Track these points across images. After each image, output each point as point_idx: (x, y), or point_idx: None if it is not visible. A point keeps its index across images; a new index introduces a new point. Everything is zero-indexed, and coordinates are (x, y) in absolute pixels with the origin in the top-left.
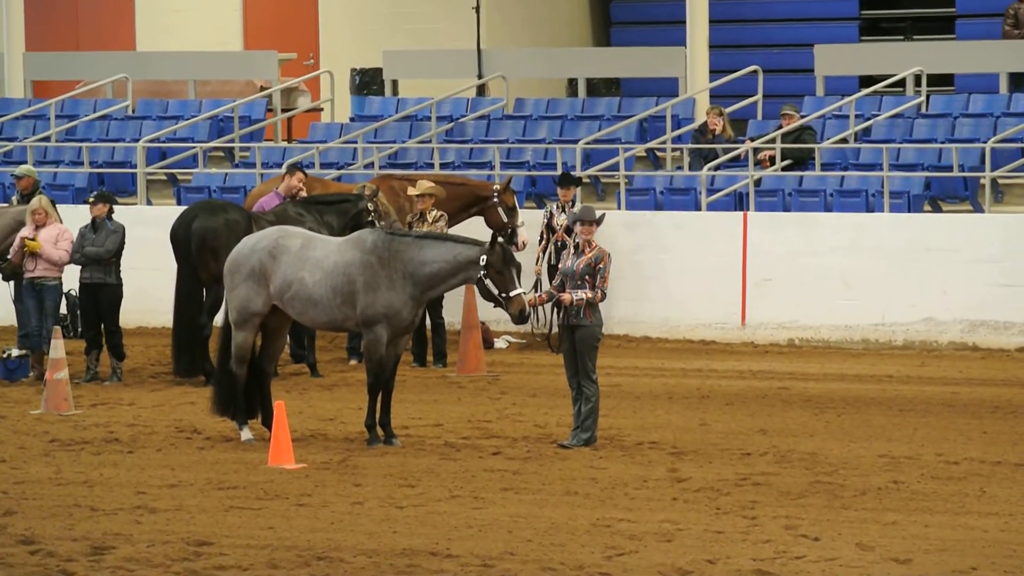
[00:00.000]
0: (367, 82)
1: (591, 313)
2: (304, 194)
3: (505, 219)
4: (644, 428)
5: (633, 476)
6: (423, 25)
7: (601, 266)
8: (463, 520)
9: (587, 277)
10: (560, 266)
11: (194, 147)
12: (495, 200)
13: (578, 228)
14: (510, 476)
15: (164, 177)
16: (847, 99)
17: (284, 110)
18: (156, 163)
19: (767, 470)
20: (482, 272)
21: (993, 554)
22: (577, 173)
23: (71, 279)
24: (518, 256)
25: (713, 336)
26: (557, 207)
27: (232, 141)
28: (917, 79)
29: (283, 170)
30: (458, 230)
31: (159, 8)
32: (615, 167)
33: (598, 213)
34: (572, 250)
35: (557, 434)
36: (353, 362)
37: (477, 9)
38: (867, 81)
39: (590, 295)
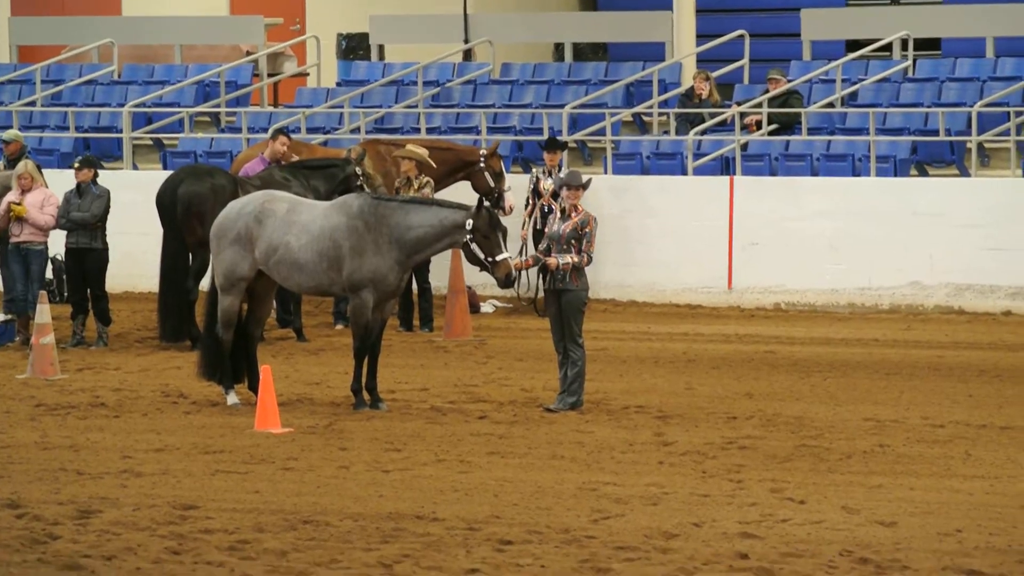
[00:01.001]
0: (353, 47)
1: (577, 277)
2: (296, 158)
3: (492, 184)
4: (630, 392)
5: (619, 440)
6: None
7: (587, 230)
8: (449, 484)
9: (573, 241)
10: (546, 230)
11: (180, 112)
12: (481, 165)
13: (564, 193)
14: (496, 440)
15: (150, 142)
16: (834, 63)
17: (270, 75)
18: (142, 128)
19: (753, 434)
20: (468, 236)
21: (978, 516)
22: (564, 138)
23: (57, 244)
24: (504, 221)
25: (699, 300)
26: (544, 171)
27: (218, 106)
28: (904, 43)
29: (268, 135)
30: (445, 195)
31: None
32: (602, 132)
33: (584, 178)
34: (558, 214)
35: (543, 398)
36: (339, 326)
37: None
38: (853, 45)
39: (576, 259)
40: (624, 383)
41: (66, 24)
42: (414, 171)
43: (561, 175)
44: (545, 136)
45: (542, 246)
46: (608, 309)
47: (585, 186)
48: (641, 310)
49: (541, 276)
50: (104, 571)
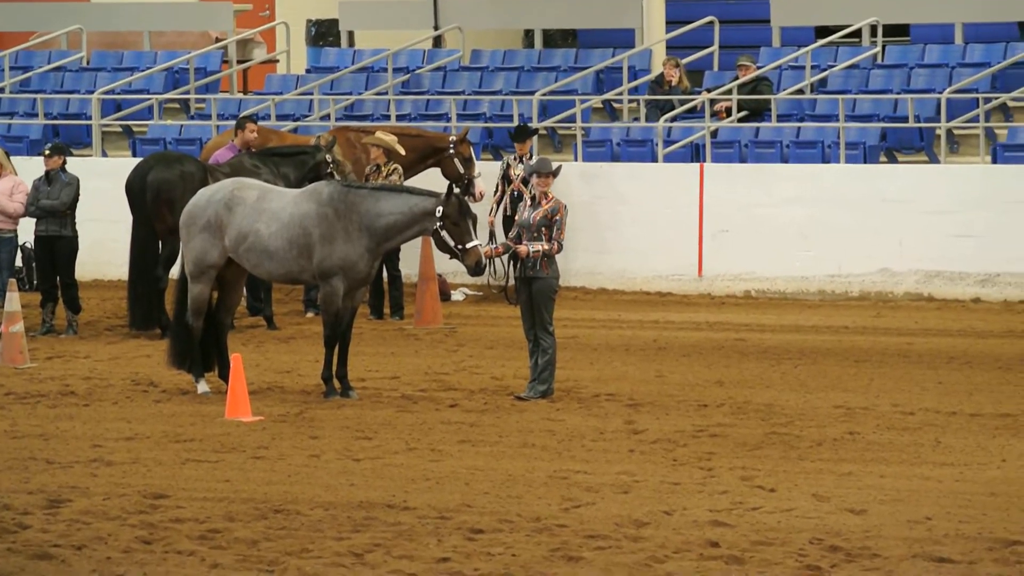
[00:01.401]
0: (323, 33)
1: (547, 265)
2: (271, 143)
3: (462, 170)
4: (601, 380)
5: (590, 428)
6: None
7: (558, 218)
8: (420, 472)
9: (543, 229)
10: (516, 218)
11: (149, 99)
12: (451, 151)
13: (535, 180)
14: (467, 428)
15: (119, 129)
16: (803, 50)
17: (240, 62)
18: (111, 115)
19: (723, 421)
20: (438, 224)
21: (948, 504)
22: (534, 124)
23: (26, 232)
24: (474, 207)
25: (670, 288)
26: (514, 158)
27: (188, 93)
28: (873, 30)
29: (235, 123)
30: (415, 182)
31: None
32: (572, 119)
33: (554, 165)
34: (528, 202)
35: (514, 386)
36: (310, 314)
37: None
38: (823, 32)
39: (546, 247)
40: (595, 371)
41: (34, 10)
42: (383, 158)
43: (531, 162)
44: (515, 123)
45: (512, 233)
46: (579, 297)
47: (555, 173)
48: (611, 298)
49: (512, 264)
50: (74, 560)
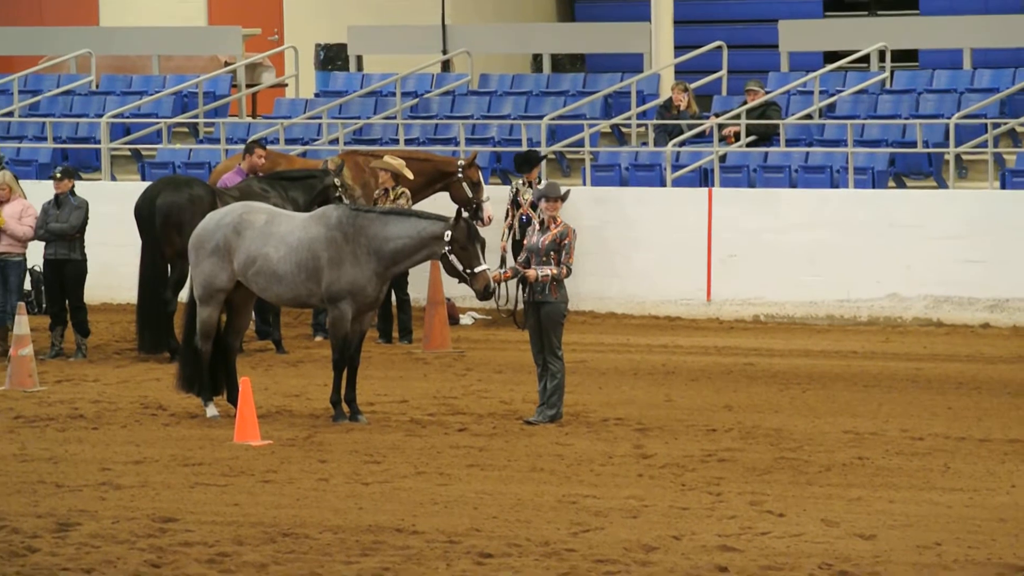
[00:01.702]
0: (331, 57)
1: (556, 289)
2: (279, 167)
3: (470, 194)
4: (610, 404)
5: (599, 452)
6: (388, 1)
7: (567, 242)
8: (429, 496)
9: (552, 253)
10: (525, 242)
11: (158, 123)
12: (460, 176)
13: (543, 204)
14: (476, 452)
15: (128, 153)
16: (811, 75)
17: (248, 86)
18: (120, 139)
19: (732, 446)
20: (446, 248)
21: (957, 529)
22: (542, 149)
23: (35, 255)
24: (483, 232)
25: (678, 312)
26: (523, 183)
27: (196, 117)
28: (881, 55)
29: (243, 148)
30: (424, 206)
31: None
32: (580, 143)
33: (563, 189)
34: (537, 226)
35: (523, 410)
36: (318, 338)
37: None
38: (831, 57)
39: (555, 271)
40: (603, 395)
41: (44, 34)
42: (391, 182)
43: (540, 187)
44: (524, 147)
45: (521, 258)
46: (587, 321)
47: (564, 198)
48: (620, 322)
49: (520, 288)
50: None
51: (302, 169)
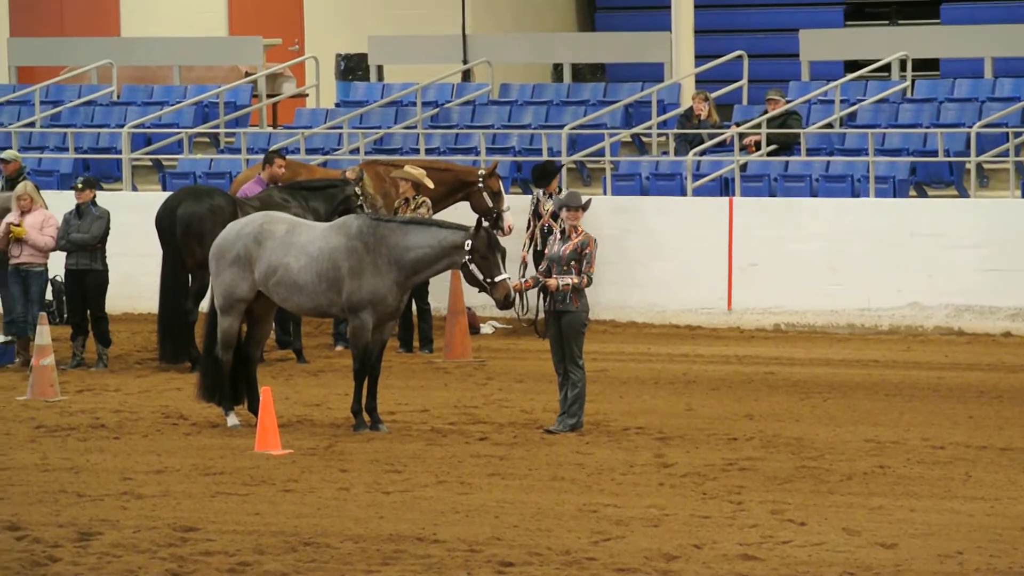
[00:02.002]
0: (352, 67)
1: (577, 299)
2: (300, 177)
3: (490, 204)
4: (630, 413)
5: (619, 461)
6: (408, 11)
7: (587, 251)
8: (449, 505)
9: (573, 262)
10: (547, 251)
11: (179, 133)
12: (480, 185)
13: (564, 214)
14: (496, 461)
15: (149, 163)
16: (832, 84)
17: (269, 96)
18: (141, 149)
19: (753, 455)
20: (467, 257)
21: (979, 538)
22: (562, 158)
23: (57, 265)
24: (504, 241)
25: (699, 321)
26: (544, 193)
27: (217, 127)
28: (902, 64)
29: (263, 158)
30: (444, 216)
31: None
32: (600, 152)
33: (584, 199)
34: (558, 235)
35: (543, 420)
36: (339, 348)
37: None
38: (852, 66)
39: (576, 280)
40: (624, 404)
41: (65, 45)
42: (412, 192)
43: (561, 196)
44: (544, 157)
45: (542, 267)
46: (608, 330)
47: (585, 207)
48: (641, 331)
49: (541, 297)
50: None
51: (323, 179)
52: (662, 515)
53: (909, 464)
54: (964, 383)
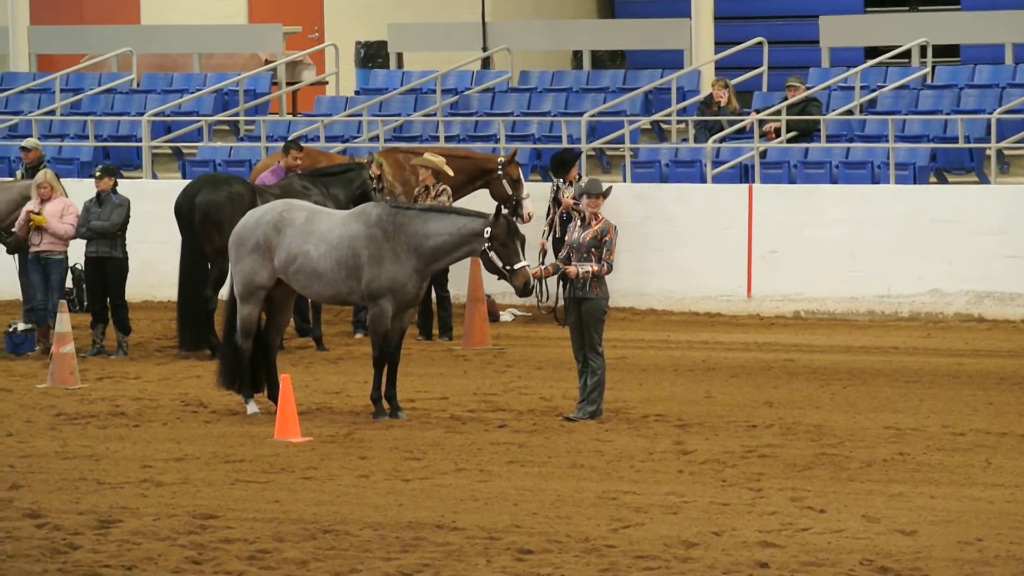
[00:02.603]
0: (372, 55)
1: (597, 286)
2: (322, 164)
3: (510, 191)
4: (650, 401)
5: (639, 448)
6: None
7: (607, 239)
8: (469, 493)
9: (593, 250)
10: (567, 238)
11: (199, 121)
12: (499, 172)
13: (585, 201)
14: (516, 449)
15: (169, 151)
16: (852, 70)
17: (289, 83)
18: (161, 137)
19: (773, 442)
20: (486, 244)
21: (999, 525)
22: (581, 146)
23: (77, 253)
24: (523, 229)
25: (719, 308)
26: (563, 181)
27: (237, 115)
28: (923, 50)
29: (281, 148)
30: (464, 203)
31: None
32: (620, 140)
33: (605, 186)
34: (579, 222)
35: (563, 407)
36: (358, 335)
37: None
38: (872, 52)
39: (596, 268)
40: (643, 392)
41: (85, 33)
42: (431, 179)
43: (581, 183)
44: (564, 144)
45: (562, 254)
46: (627, 317)
47: (605, 194)
48: (660, 318)
49: (561, 284)
50: None
51: (338, 164)
52: (681, 502)
53: (929, 451)
54: (984, 370)
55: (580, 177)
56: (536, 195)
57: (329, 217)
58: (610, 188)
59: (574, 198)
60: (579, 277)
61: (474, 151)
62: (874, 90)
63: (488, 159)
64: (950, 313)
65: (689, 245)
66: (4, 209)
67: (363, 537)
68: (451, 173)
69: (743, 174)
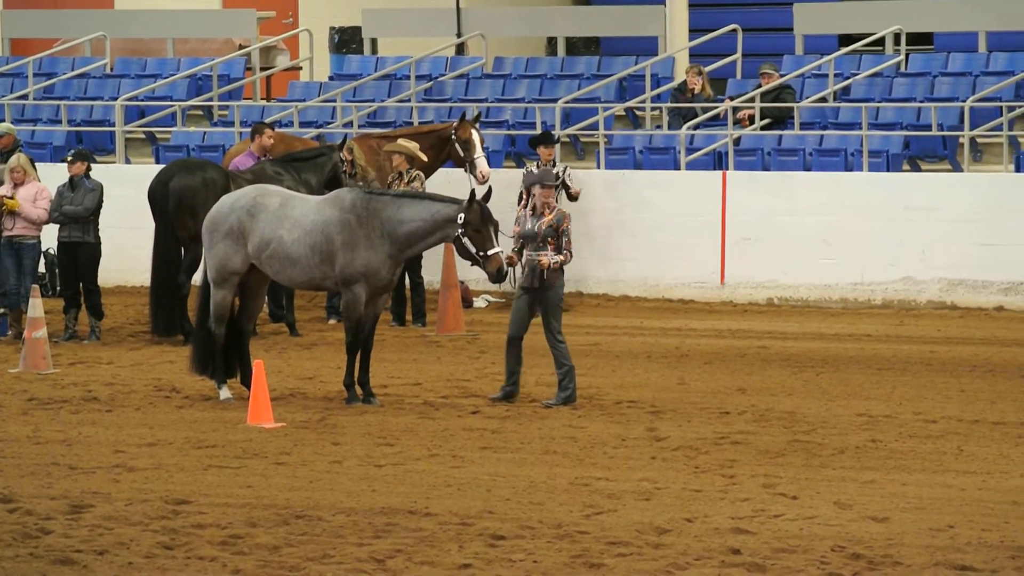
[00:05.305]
0: (346, 41)
1: (557, 276)
2: (297, 148)
3: (462, 153)
4: (623, 387)
5: (612, 435)
6: None
7: (565, 227)
8: (442, 479)
9: (549, 239)
10: (517, 228)
11: (172, 106)
12: (453, 137)
13: (538, 190)
14: (489, 435)
15: (142, 136)
16: (826, 58)
17: (263, 69)
18: (134, 121)
19: (745, 429)
20: (460, 230)
21: (970, 512)
22: (556, 132)
23: (50, 238)
24: (495, 214)
25: (692, 295)
26: (536, 165)
27: (211, 100)
28: (896, 38)
29: (251, 131)
30: (439, 188)
31: None
32: (594, 126)
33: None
34: (530, 212)
35: (536, 393)
36: (332, 321)
37: None
38: (846, 40)
39: (562, 258)
40: (617, 378)
41: (58, 17)
42: (404, 165)
43: (534, 171)
44: (538, 131)
45: (515, 245)
46: (601, 304)
47: (557, 186)
48: (634, 305)
49: (520, 273)
50: (96, 566)
51: (309, 148)
52: (654, 489)
53: (901, 438)
54: (957, 357)
55: (554, 163)
56: (511, 182)
57: (303, 203)
58: (558, 175)
59: (525, 185)
60: (550, 268)
61: (434, 124)
62: (848, 78)
63: (445, 127)
64: (923, 301)
65: (663, 232)
66: None
67: (336, 523)
68: (425, 159)
69: (717, 161)
